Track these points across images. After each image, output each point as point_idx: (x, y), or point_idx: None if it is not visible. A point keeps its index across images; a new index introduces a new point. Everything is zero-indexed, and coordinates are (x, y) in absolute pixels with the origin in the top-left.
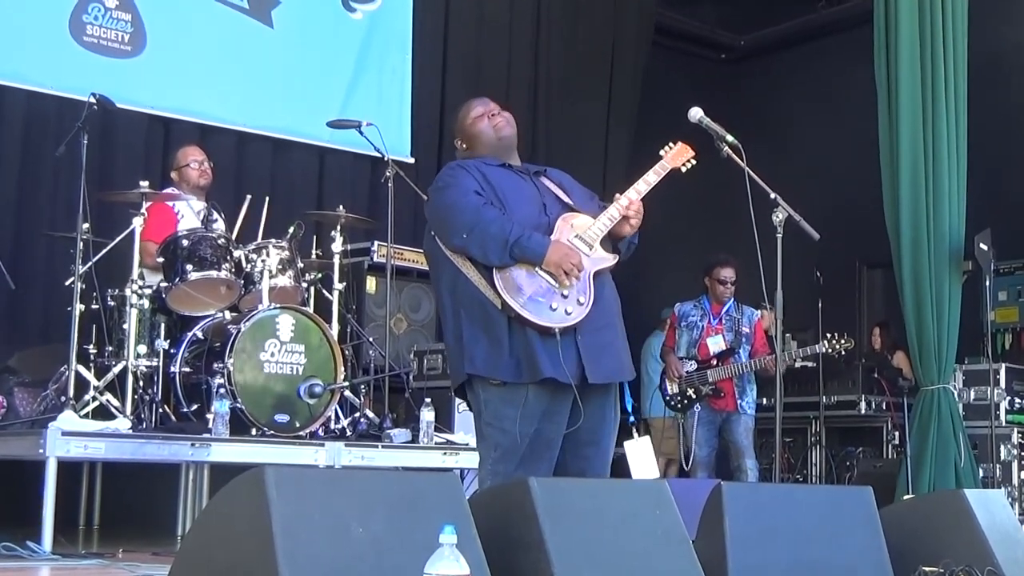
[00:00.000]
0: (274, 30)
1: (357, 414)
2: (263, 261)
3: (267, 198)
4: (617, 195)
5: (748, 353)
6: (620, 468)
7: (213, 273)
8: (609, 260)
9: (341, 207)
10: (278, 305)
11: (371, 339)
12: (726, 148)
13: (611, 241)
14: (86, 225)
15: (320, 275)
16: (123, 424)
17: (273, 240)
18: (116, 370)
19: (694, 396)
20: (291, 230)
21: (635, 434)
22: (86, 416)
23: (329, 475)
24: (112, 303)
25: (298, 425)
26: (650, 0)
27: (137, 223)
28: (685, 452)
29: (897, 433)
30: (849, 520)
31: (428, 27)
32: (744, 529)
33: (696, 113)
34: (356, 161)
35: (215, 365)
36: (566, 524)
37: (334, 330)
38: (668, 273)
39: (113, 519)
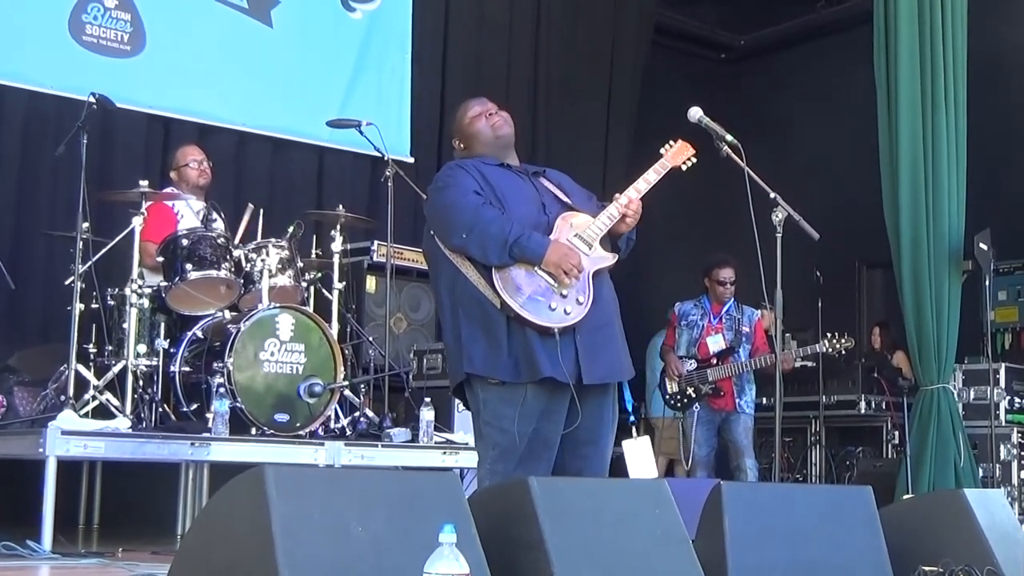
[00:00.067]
0: (273, 30)
1: (357, 413)
2: (263, 260)
3: (261, 210)
4: (616, 194)
5: (748, 352)
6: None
7: (213, 272)
8: (608, 259)
9: (341, 207)
10: (278, 304)
11: (371, 338)
12: (725, 148)
13: (610, 239)
14: (86, 224)
15: (320, 275)
16: (123, 423)
17: (273, 239)
18: (116, 369)
19: (694, 395)
20: (291, 229)
21: (634, 433)
22: (86, 415)
23: (329, 474)
24: (112, 302)
25: (298, 424)
26: (650, 0)
27: (137, 222)
28: (684, 452)
29: (897, 433)
30: (849, 520)
31: (428, 27)
32: (744, 529)
33: (696, 113)
34: (356, 161)
35: (215, 364)
36: (566, 523)
37: (334, 330)
38: (668, 273)
39: (113, 518)
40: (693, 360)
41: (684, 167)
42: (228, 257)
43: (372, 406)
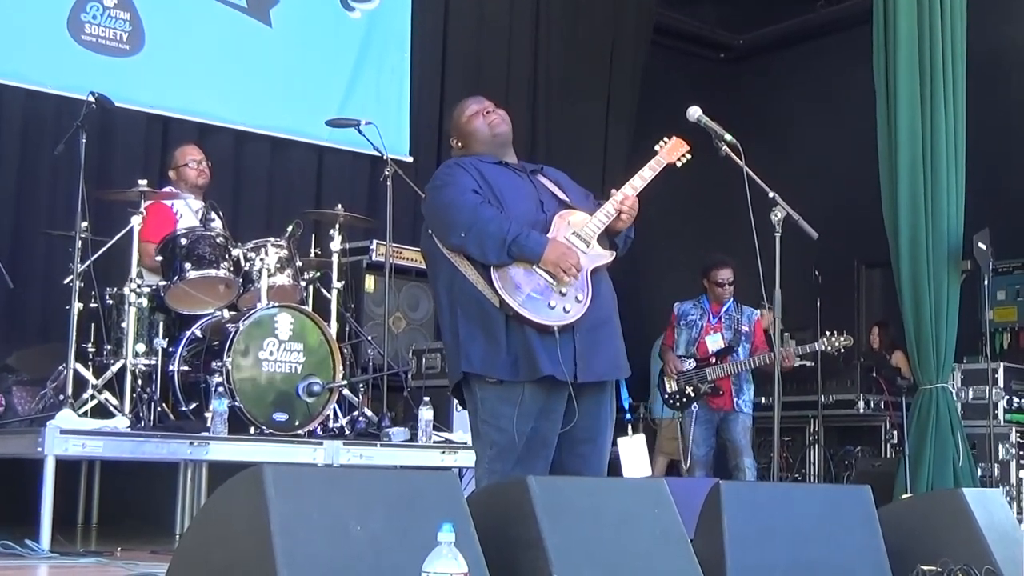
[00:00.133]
0: (272, 29)
1: (356, 413)
2: (261, 260)
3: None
4: (613, 191)
5: (747, 352)
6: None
7: (212, 272)
8: (606, 257)
9: (340, 206)
10: (277, 304)
11: (370, 338)
12: (725, 147)
13: (607, 237)
14: (85, 224)
15: (319, 274)
16: (121, 423)
17: (272, 239)
18: (114, 369)
19: (692, 394)
20: (290, 229)
21: (630, 432)
22: (84, 415)
23: (327, 474)
24: (111, 301)
25: (297, 424)
26: (649, 0)
27: (136, 222)
28: (683, 451)
29: (895, 432)
30: (847, 519)
31: (427, 26)
32: (742, 528)
33: (695, 112)
34: (355, 160)
35: (214, 364)
36: (564, 523)
37: (333, 329)
38: (668, 272)
39: (111, 517)
40: (692, 359)
41: (679, 163)
42: (227, 256)
43: (371, 405)
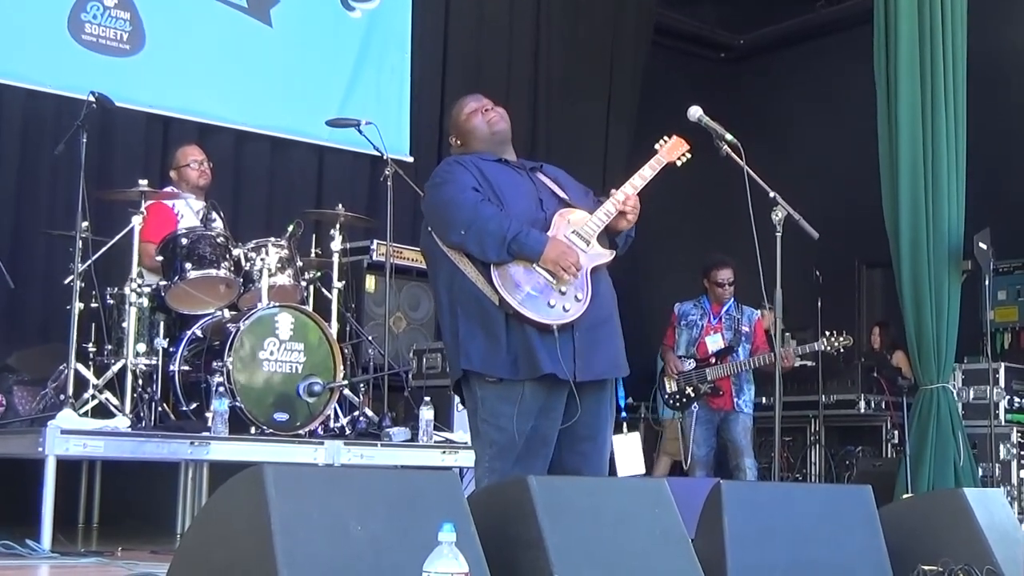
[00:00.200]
0: (273, 29)
1: (356, 413)
2: (262, 260)
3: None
4: (613, 190)
5: (748, 352)
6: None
7: (212, 271)
8: (606, 256)
9: (340, 206)
10: (277, 304)
11: (370, 338)
12: (725, 147)
13: (608, 236)
14: (85, 224)
15: (319, 274)
16: (122, 423)
17: (272, 238)
18: (115, 368)
19: (692, 394)
20: (290, 228)
21: (625, 429)
22: (85, 415)
23: (328, 473)
24: (111, 301)
25: (297, 423)
26: (650, 0)
27: (136, 221)
28: (683, 451)
29: (896, 432)
30: (848, 519)
31: (428, 26)
32: (743, 528)
33: (695, 112)
34: (355, 160)
35: (214, 364)
36: (565, 523)
37: (333, 329)
38: (668, 272)
39: (112, 517)
40: (692, 360)
41: (679, 162)
42: (227, 256)
43: (371, 405)
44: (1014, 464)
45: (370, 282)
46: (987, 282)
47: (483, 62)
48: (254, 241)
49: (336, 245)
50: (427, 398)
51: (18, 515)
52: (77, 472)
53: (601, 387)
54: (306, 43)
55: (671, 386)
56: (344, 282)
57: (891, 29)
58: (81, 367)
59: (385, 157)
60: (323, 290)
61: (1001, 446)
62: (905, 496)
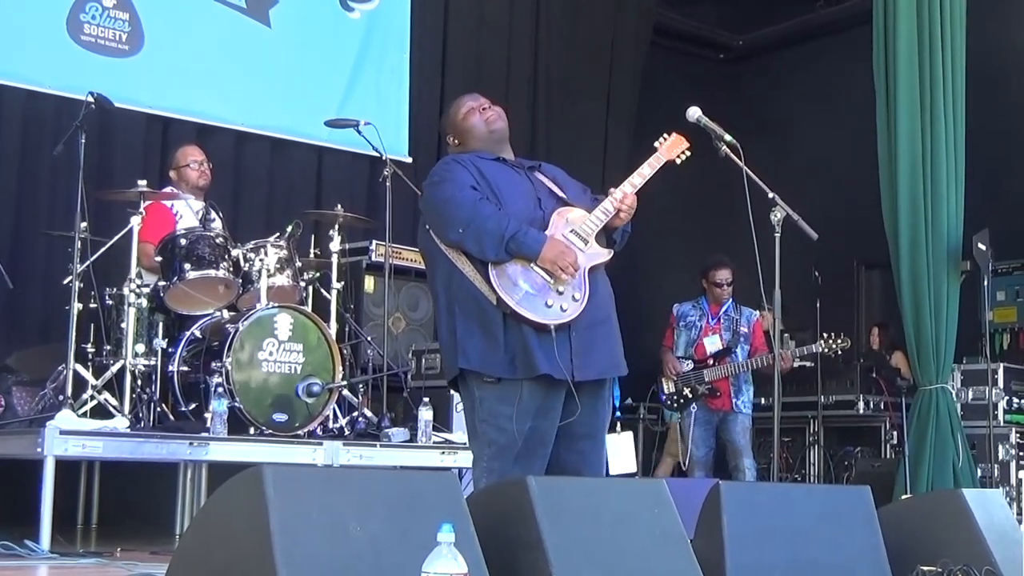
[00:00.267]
0: (272, 29)
1: (355, 413)
2: (261, 260)
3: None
4: (611, 188)
5: (746, 353)
6: None
7: (211, 272)
8: (604, 255)
9: (339, 206)
10: (276, 304)
11: (369, 338)
12: (724, 147)
13: (605, 233)
14: (84, 224)
15: (318, 274)
16: (121, 423)
17: (271, 239)
18: (114, 369)
19: (690, 395)
20: (289, 229)
21: (619, 428)
22: (84, 415)
23: (327, 474)
24: (110, 302)
25: (296, 424)
26: (649, 0)
27: (135, 222)
28: (682, 452)
29: (895, 433)
30: (847, 520)
31: (427, 26)
32: (742, 528)
33: (694, 112)
34: (354, 160)
35: (213, 364)
36: (564, 523)
37: (332, 329)
38: (668, 272)
39: (111, 518)
40: (690, 360)
41: (679, 160)
42: (226, 257)
43: (370, 406)
44: (1013, 465)
45: (369, 283)
46: (986, 283)
47: (482, 62)
48: (253, 242)
49: (335, 246)
50: (426, 399)
51: (17, 516)
52: (76, 472)
53: (600, 386)
54: (305, 44)
55: (669, 387)
56: (343, 283)
57: (890, 29)
58: (80, 367)
59: (384, 158)
60: (322, 291)
61: (1000, 447)
62: (904, 497)
